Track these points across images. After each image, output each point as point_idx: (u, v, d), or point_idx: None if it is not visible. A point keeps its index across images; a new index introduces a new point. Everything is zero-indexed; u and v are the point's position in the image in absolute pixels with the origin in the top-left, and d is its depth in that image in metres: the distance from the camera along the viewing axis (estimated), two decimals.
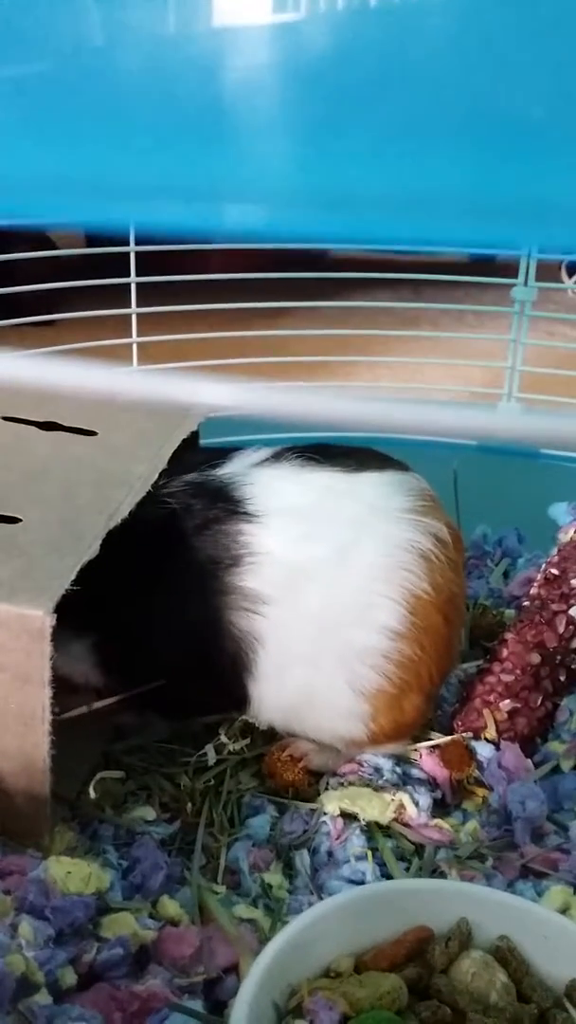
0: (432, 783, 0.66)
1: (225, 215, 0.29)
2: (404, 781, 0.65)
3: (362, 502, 0.62)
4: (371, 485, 0.63)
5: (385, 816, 0.61)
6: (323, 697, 0.63)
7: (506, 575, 0.87)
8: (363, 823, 0.61)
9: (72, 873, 0.52)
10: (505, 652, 0.73)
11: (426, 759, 0.67)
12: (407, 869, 0.59)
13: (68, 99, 0.28)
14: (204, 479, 0.62)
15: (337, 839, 0.60)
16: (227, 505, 0.61)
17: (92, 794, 0.59)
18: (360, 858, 0.59)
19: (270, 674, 0.62)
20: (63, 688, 0.60)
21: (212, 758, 0.63)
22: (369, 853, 0.59)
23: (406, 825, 0.62)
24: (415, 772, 0.66)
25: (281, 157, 0.28)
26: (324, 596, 0.61)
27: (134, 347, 0.87)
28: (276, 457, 0.64)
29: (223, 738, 0.64)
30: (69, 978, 0.49)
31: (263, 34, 0.29)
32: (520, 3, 0.28)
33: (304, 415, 0.30)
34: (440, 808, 0.66)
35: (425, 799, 0.63)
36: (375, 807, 0.62)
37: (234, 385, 0.29)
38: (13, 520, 0.56)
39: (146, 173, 0.27)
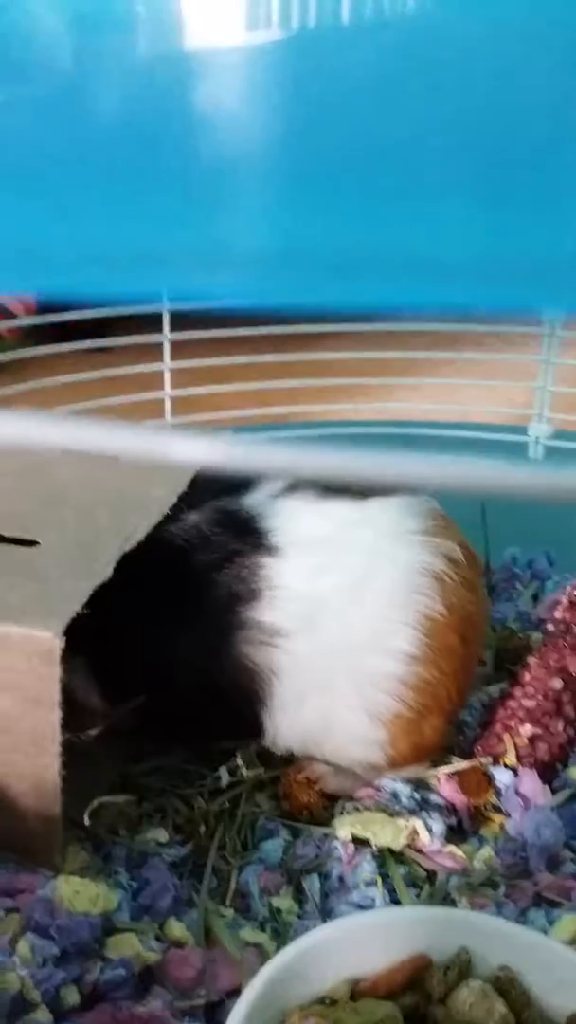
0: (450, 809, 0.66)
1: (199, 283, 0.27)
2: (421, 807, 0.65)
3: (374, 528, 0.63)
4: (382, 510, 0.64)
5: (398, 842, 0.61)
6: (340, 724, 0.63)
7: (536, 598, 0.87)
8: (375, 849, 0.61)
9: (80, 893, 0.53)
10: (527, 676, 0.72)
11: (445, 785, 0.67)
12: (418, 896, 0.59)
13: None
14: (228, 508, 0.63)
15: (348, 864, 0.60)
16: (251, 538, 0.62)
17: (103, 816, 0.60)
18: (370, 884, 0.59)
19: (287, 704, 0.62)
20: (80, 710, 0.61)
21: (225, 780, 0.63)
22: (379, 879, 0.59)
23: (419, 851, 0.62)
24: (433, 798, 0.66)
25: (266, 214, 0.27)
26: (340, 625, 0.61)
27: (167, 401, 0.89)
28: (294, 486, 0.64)
29: (239, 761, 0.65)
30: (72, 997, 0.50)
31: (238, 63, 0.26)
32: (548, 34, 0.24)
33: (284, 470, 0.30)
34: (458, 834, 0.65)
35: (439, 825, 0.63)
36: (388, 833, 0.62)
37: (211, 441, 0.28)
38: (31, 543, 0.57)
39: (99, 237, 0.26)
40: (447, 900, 0.59)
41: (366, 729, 0.63)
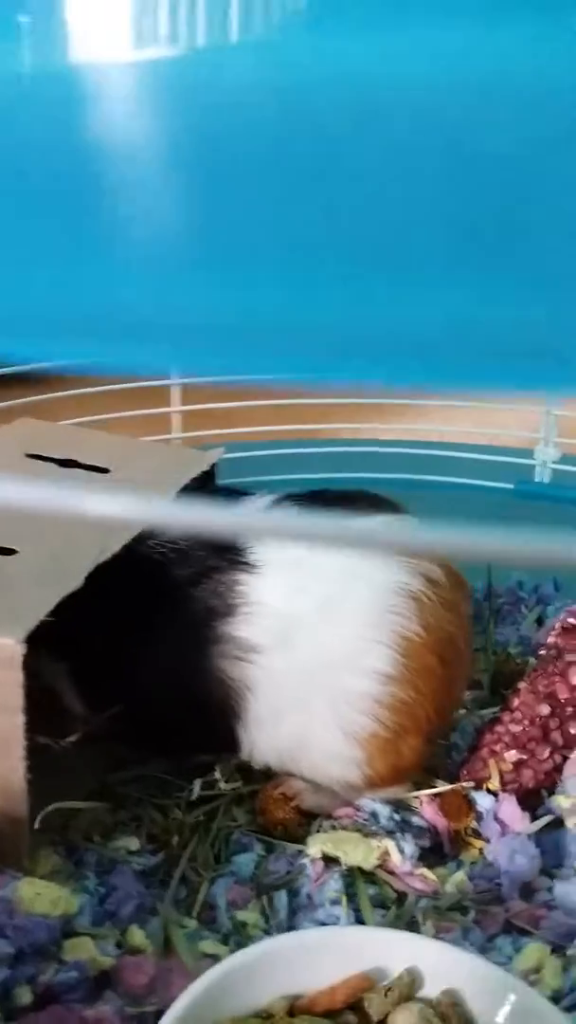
0: (432, 832, 0.66)
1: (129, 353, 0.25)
2: (401, 828, 0.65)
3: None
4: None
5: (368, 862, 0.61)
6: (316, 742, 0.63)
7: (539, 622, 0.86)
8: (344, 868, 0.61)
9: (42, 895, 0.54)
10: (516, 701, 0.72)
11: (427, 807, 0.67)
12: (384, 917, 0.59)
13: None
14: None
15: (316, 882, 0.61)
16: (229, 554, 0.63)
17: (78, 822, 0.61)
18: (335, 902, 0.59)
19: (263, 720, 0.63)
20: (59, 717, 0.63)
21: (197, 792, 0.64)
22: (345, 898, 0.59)
23: (391, 872, 0.62)
24: (415, 820, 0.66)
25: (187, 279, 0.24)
26: (315, 644, 0.62)
27: (174, 417, 0.90)
28: (276, 504, 0.65)
29: (216, 774, 0.66)
30: (24, 997, 0.51)
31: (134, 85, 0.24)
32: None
33: (196, 527, 0.30)
34: (438, 857, 0.65)
35: (411, 847, 0.62)
36: (359, 852, 0.62)
37: (125, 498, 0.27)
38: (9, 552, 0.59)
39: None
40: (413, 922, 0.59)
41: (342, 747, 0.63)
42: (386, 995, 0.48)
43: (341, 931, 0.54)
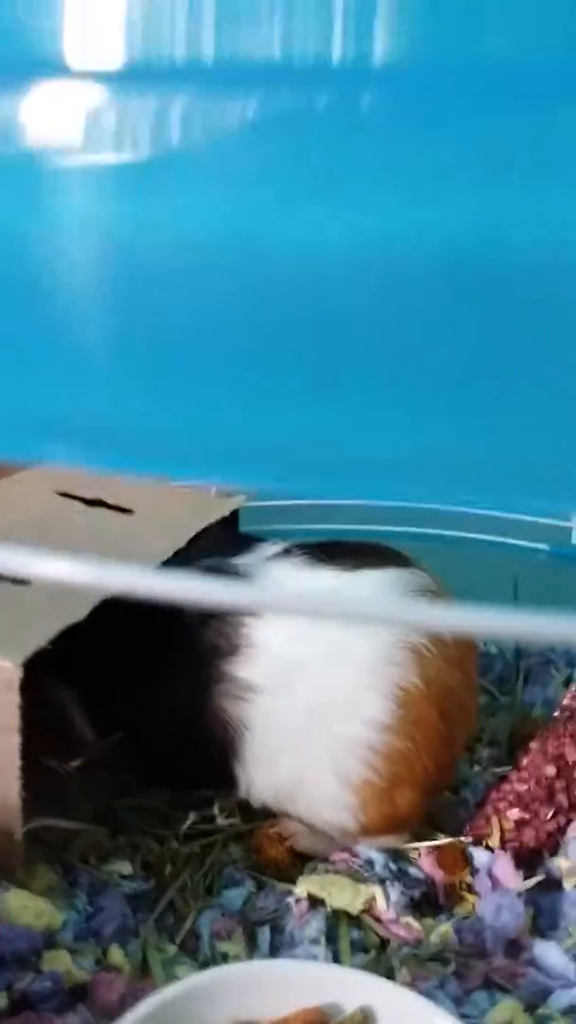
0: (429, 883, 0.66)
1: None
2: (396, 877, 0.65)
3: (356, 598, 0.65)
4: (368, 583, 0.66)
5: (354, 906, 0.62)
6: (311, 785, 0.65)
7: (567, 684, 0.86)
8: (329, 910, 0.62)
9: (28, 907, 0.57)
10: (525, 761, 0.72)
11: (425, 859, 0.67)
12: (362, 961, 0.60)
13: None
14: (220, 565, 0.67)
15: (299, 920, 0.62)
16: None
17: (77, 844, 0.64)
18: (315, 942, 0.60)
19: (260, 759, 0.65)
20: (65, 740, 0.66)
21: (188, 823, 0.66)
22: (324, 939, 0.60)
23: (377, 919, 0.63)
24: (412, 871, 0.66)
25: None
26: (314, 689, 0.64)
27: None
28: (286, 552, 0.68)
29: (215, 809, 0.68)
30: (1, 1001, 0.54)
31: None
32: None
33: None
34: (432, 909, 0.66)
35: (397, 895, 0.63)
36: (345, 896, 0.63)
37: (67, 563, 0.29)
38: (23, 582, 0.63)
39: None
40: (391, 969, 0.59)
41: (336, 792, 0.64)
42: None
43: (300, 965, 0.55)
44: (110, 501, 0.73)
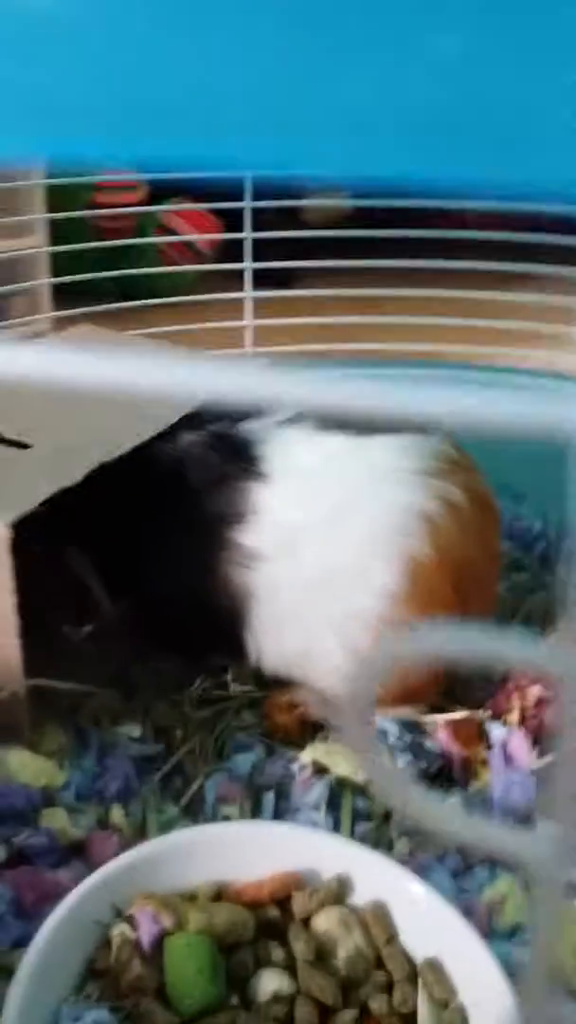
0: (445, 757, 0.65)
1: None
2: (410, 749, 0.64)
3: (367, 464, 0.62)
4: (381, 447, 0.63)
5: (358, 774, 0.62)
6: (318, 656, 0.64)
7: None
8: (333, 777, 0.61)
9: (28, 766, 0.58)
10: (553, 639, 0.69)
11: (441, 732, 0.66)
12: (364, 829, 0.59)
13: None
14: (226, 431, 0.65)
15: (302, 786, 0.61)
16: (242, 463, 0.63)
17: (89, 707, 0.65)
18: (315, 808, 0.60)
19: (266, 627, 0.63)
20: (78, 606, 0.66)
21: (198, 686, 0.66)
22: (324, 805, 0.60)
23: None
24: (428, 743, 0.65)
25: None
26: (320, 556, 0.61)
27: (248, 330, 0.91)
28: (296, 418, 0.65)
29: (228, 676, 0.67)
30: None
31: None
32: None
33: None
34: (448, 783, 0.64)
35: (403, 764, 0.62)
36: (351, 764, 0.62)
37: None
38: (24, 446, 0.62)
39: None
40: (391, 840, 0.59)
41: (341, 661, 0.63)
42: (311, 896, 0.49)
43: (282, 829, 0.54)
44: None
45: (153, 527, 0.64)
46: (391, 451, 0.63)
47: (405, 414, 0.18)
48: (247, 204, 0.90)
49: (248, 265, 0.91)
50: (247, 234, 0.89)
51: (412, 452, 0.63)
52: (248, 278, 0.92)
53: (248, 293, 0.89)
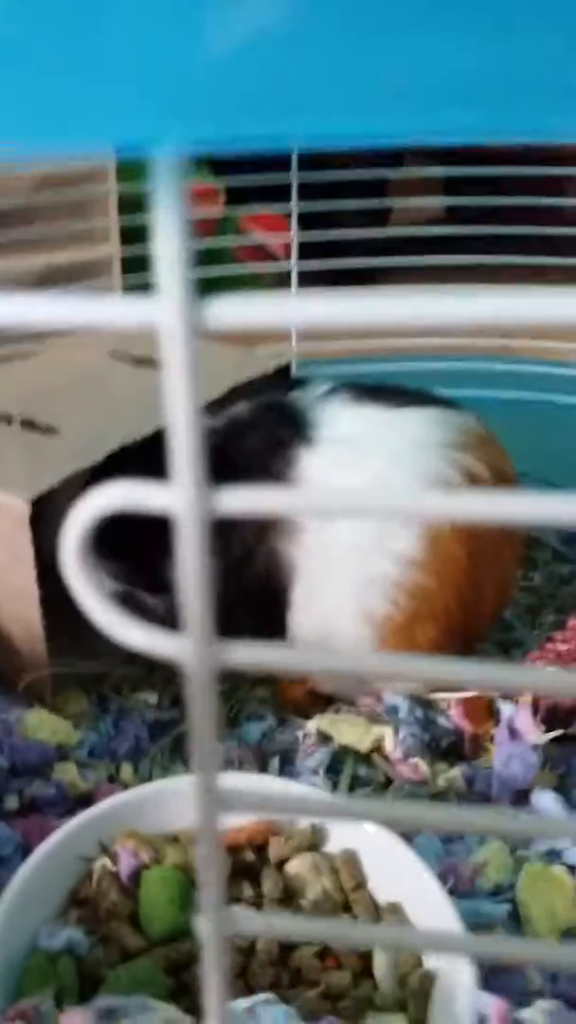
0: (456, 733, 0.66)
1: None
2: (422, 724, 0.66)
3: (398, 433, 0.64)
4: (411, 420, 0.65)
5: (361, 744, 0.64)
6: (336, 623, 0.65)
7: None
8: (336, 745, 0.64)
9: (44, 724, 0.62)
10: (572, 622, 0.70)
11: (454, 709, 0.67)
12: (363, 796, 0.61)
13: None
14: (276, 399, 0.68)
15: (305, 752, 0.64)
16: (293, 429, 0.66)
17: (112, 677, 0.69)
18: (315, 772, 0.62)
19: (302, 603, 0.65)
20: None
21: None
22: (323, 771, 0.62)
23: (387, 759, 0.64)
24: (441, 720, 0.67)
25: None
26: (350, 524, 0.63)
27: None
28: (333, 391, 0.68)
29: None
30: (12, 803, 0.59)
31: None
32: None
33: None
34: (458, 759, 0.66)
35: (409, 737, 0.64)
36: (354, 734, 0.64)
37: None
38: (52, 431, 0.67)
39: None
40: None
41: (358, 628, 0.64)
42: (286, 842, 0.51)
43: (262, 781, 0.57)
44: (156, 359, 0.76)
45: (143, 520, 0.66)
46: (420, 424, 0.65)
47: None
48: (293, 205, 0.94)
49: (294, 265, 0.95)
50: (293, 235, 0.93)
51: (439, 425, 0.65)
52: (294, 279, 0.96)
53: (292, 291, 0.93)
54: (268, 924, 0.27)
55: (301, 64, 0.17)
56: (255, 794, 0.28)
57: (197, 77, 0.17)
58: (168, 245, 0.18)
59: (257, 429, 0.66)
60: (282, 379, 0.76)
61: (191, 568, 0.21)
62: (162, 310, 0.18)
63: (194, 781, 0.22)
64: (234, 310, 0.19)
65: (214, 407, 0.69)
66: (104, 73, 0.17)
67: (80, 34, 0.17)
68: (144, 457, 0.64)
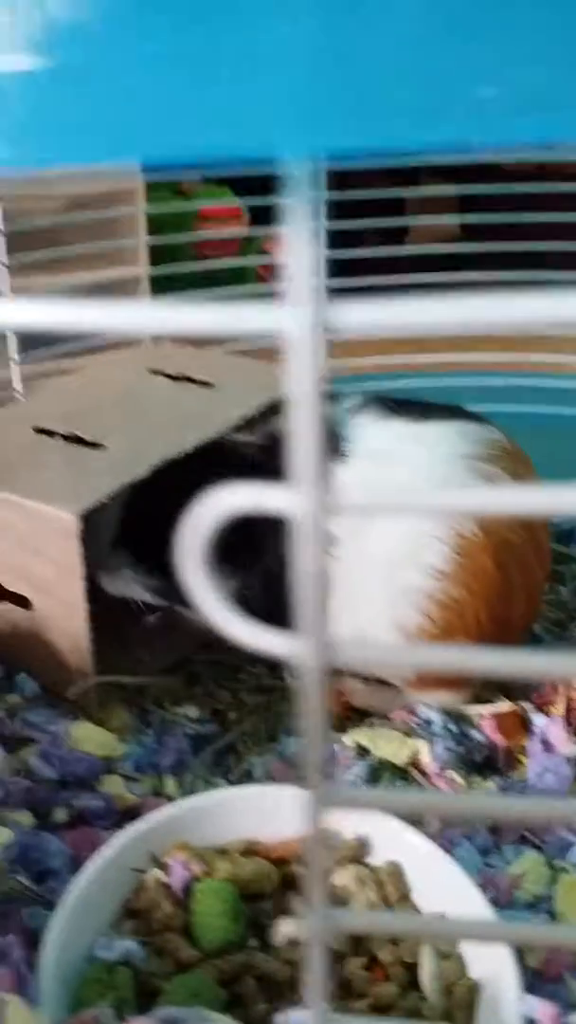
0: (490, 747, 0.68)
1: None
2: (456, 738, 0.67)
3: (427, 447, 0.66)
4: (438, 433, 0.66)
5: (398, 757, 0.65)
6: (369, 634, 0.67)
7: None
8: (374, 759, 0.65)
9: (91, 737, 0.64)
10: None
11: (486, 723, 0.69)
12: None
13: None
14: None
15: (342, 765, 0.65)
16: (329, 443, 0.67)
17: (153, 690, 0.70)
18: (353, 785, 0.63)
19: (335, 613, 0.67)
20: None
21: (254, 677, 0.70)
22: (361, 783, 0.63)
23: (423, 773, 0.65)
24: (474, 733, 0.68)
25: None
26: (382, 536, 0.65)
27: None
28: (364, 404, 0.69)
29: (284, 667, 0.72)
30: (61, 815, 0.61)
31: None
32: None
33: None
34: (493, 772, 0.67)
35: (442, 749, 0.65)
36: (391, 747, 0.65)
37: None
38: (98, 446, 0.68)
39: None
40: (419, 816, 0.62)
41: (392, 641, 0.66)
42: (331, 854, 0.53)
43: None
44: (194, 377, 0.78)
45: (237, 519, 0.67)
46: (447, 437, 0.66)
47: None
48: (322, 224, 0.96)
49: (321, 281, 0.97)
50: (318, 251, 0.95)
51: (466, 439, 0.67)
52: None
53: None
54: (371, 922, 0.28)
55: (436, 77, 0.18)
56: (362, 793, 0.29)
57: (334, 90, 0.18)
58: (299, 255, 0.19)
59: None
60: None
61: (307, 568, 0.22)
62: (292, 317, 0.20)
63: (302, 779, 0.23)
64: (361, 315, 0.20)
65: (252, 421, 0.70)
66: (242, 85, 0.18)
67: (222, 46, 0.18)
68: (197, 471, 0.66)
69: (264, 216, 1.78)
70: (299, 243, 0.19)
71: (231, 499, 0.22)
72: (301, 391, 0.20)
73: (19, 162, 0.19)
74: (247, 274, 1.75)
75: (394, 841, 0.53)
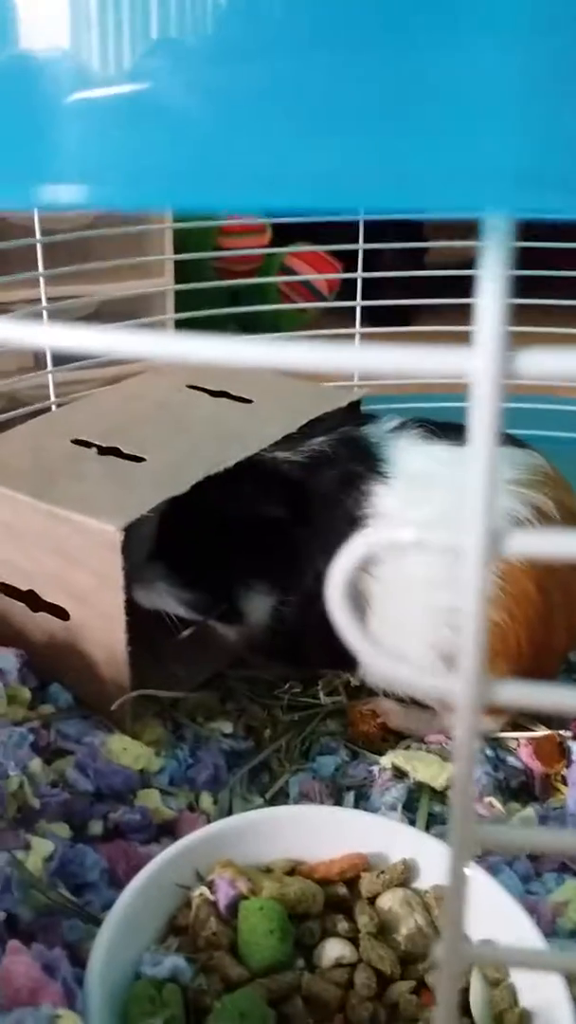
0: (527, 774, 0.67)
1: None
2: (492, 763, 0.67)
3: (466, 470, 0.65)
4: None
5: (437, 781, 0.64)
6: (408, 655, 0.66)
7: None
8: (412, 782, 0.64)
9: (128, 750, 0.63)
10: None
11: (523, 749, 0.68)
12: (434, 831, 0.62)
13: None
14: (352, 433, 0.69)
15: (380, 787, 0.64)
16: (369, 463, 0.67)
17: (187, 704, 0.69)
18: (391, 808, 0.63)
19: (375, 635, 0.67)
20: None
21: (286, 692, 0.70)
22: (400, 806, 0.63)
23: None
24: (510, 759, 0.68)
25: None
26: (422, 558, 0.65)
27: None
28: (403, 426, 0.69)
29: (319, 686, 0.71)
30: (96, 828, 0.60)
31: None
32: None
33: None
34: (530, 799, 0.67)
35: (481, 774, 0.64)
36: (430, 771, 0.65)
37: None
38: (139, 459, 0.68)
39: None
40: None
41: (431, 662, 0.65)
42: (378, 877, 0.52)
43: (353, 814, 0.57)
44: (233, 393, 0.78)
45: (276, 535, 0.67)
46: None
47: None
48: (360, 246, 0.96)
49: (358, 303, 0.97)
50: (358, 274, 0.95)
51: (508, 463, 0.66)
52: (358, 315, 0.98)
53: (356, 330, 0.95)
54: (496, 955, 0.28)
55: None
56: (510, 832, 0.29)
57: (543, 150, 0.18)
58: (488, 302, 0.19)
59: (334, 464, 0.67)
60: (354, 413, 0.77)
61: (469, 607, 0.22)
62: (477, 360, 0.20)
63: (451, 817, 0.23)
64: (542, 362, 0.20)
65: (294, 439, 0.70)
66: (450, 139, 0.18)
67: (432, 100, 0.18)
68: (229, 486, 0.66)
69: (286, 231, 1.80)
70: (491, 291, 0.19)
71: (383, 536, 0.22)
72: (480, 428, 0.21)
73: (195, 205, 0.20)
74: (269, 291, 1.76)
75: (441, 864, 0.52)
